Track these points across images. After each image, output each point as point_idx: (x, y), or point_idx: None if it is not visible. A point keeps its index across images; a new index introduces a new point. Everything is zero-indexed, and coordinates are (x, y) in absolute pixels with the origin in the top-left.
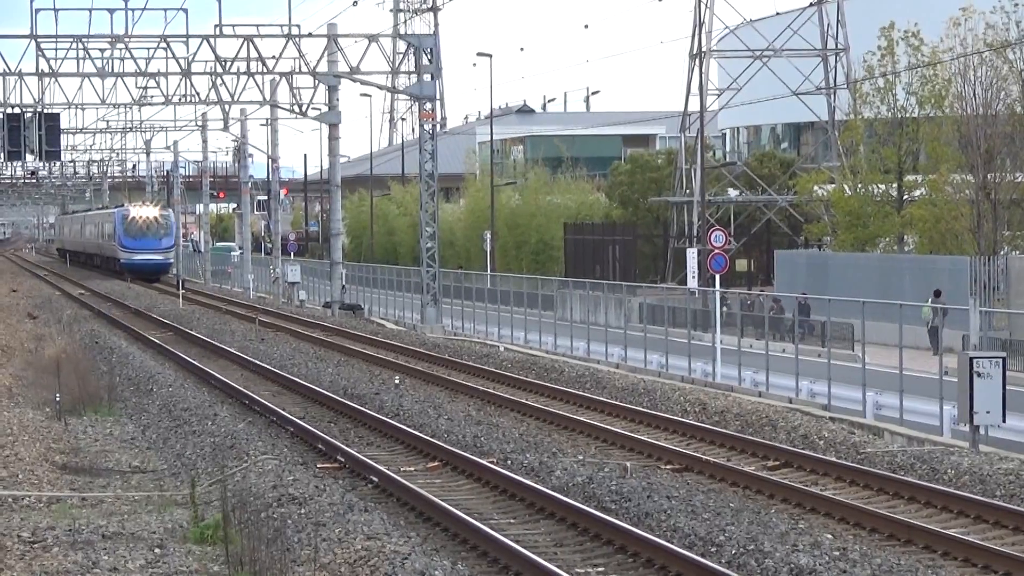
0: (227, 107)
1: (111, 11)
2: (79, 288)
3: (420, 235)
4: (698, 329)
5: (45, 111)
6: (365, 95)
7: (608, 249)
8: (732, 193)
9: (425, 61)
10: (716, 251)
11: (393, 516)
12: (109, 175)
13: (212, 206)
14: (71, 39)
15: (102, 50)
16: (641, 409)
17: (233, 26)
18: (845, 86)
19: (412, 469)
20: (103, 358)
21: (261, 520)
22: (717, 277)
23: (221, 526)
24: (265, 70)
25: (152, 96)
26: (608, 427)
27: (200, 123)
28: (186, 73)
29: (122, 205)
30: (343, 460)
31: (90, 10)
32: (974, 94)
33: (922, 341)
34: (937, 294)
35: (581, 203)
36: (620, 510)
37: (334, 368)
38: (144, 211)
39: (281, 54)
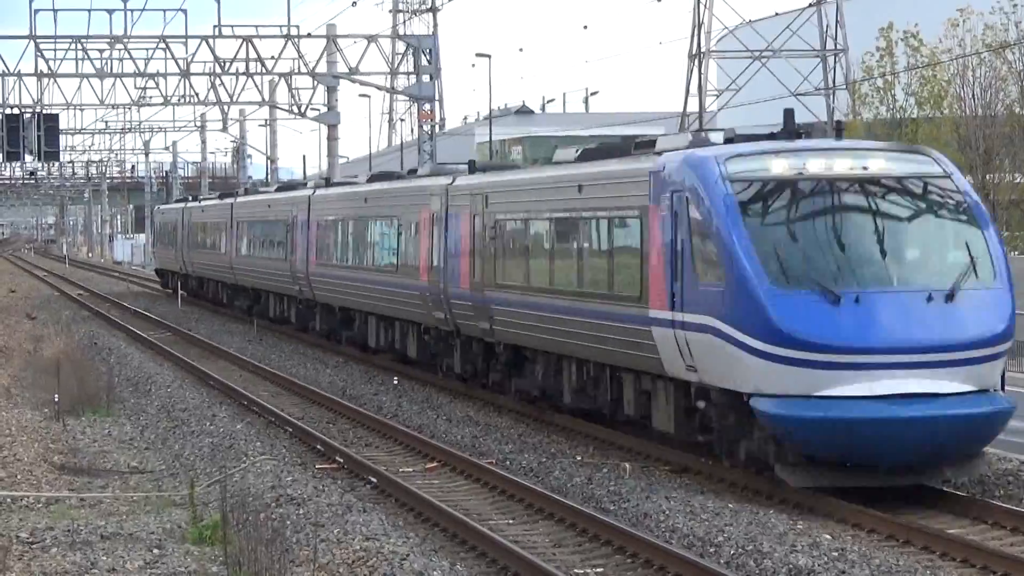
0: (226, 108)
1: (110, 12)
2: (78, 289)
3: None
4: None
5: (44, 112)
6: (364, 96)
7: None
8: None
9: (424, 62)
10: None
11: (392, 517)
12: (108, 176)
13: None
14: (70, 40)
15: (101, 51)
16: None
17: (232, 27)
18: (844, 87)
19: (411, 470)
20: (102, 359)
21: (260, 521)
22: None
23: (220, 527)
24: (264, 71)
25: (151, 97)
26: (606, 427)
27: (199, 124)
28: (185, 74)
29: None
30: (341, 461)
31: (89, 11)
32: (973, 95)
33: None
34: None
35: None
36: (619, 510)
37: (332, 369)
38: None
39: (280, 55)
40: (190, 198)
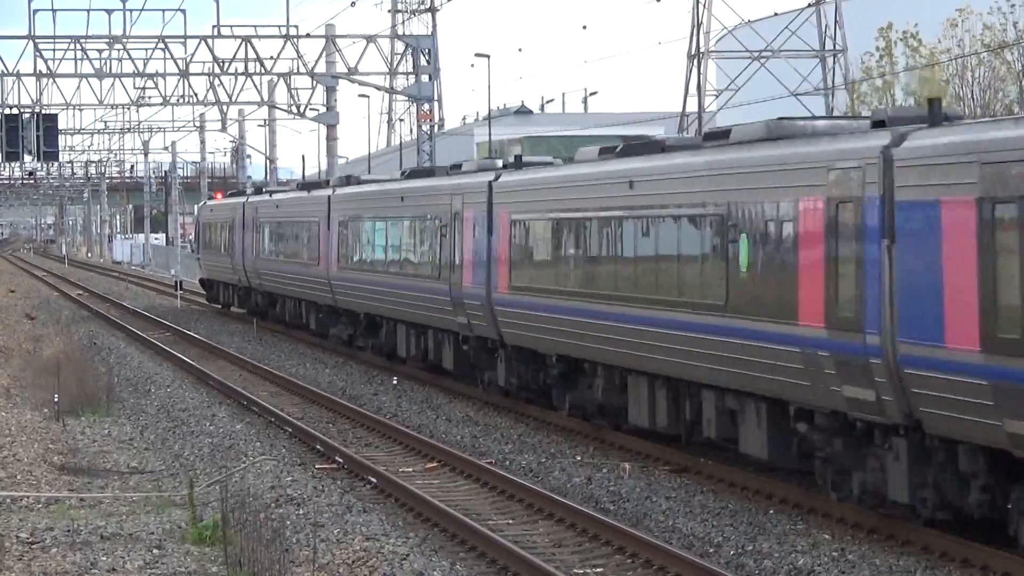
0: (225, 108)
1: (109, 12)
2: (78, 289)
3: None
4: None
5: (43, 112)
6: (363, 96)
7: None
8: None
9: (423, 62)
10: None
11: (391, 517)
12: (107, 176)
13: None
14: (69, 40)
15: (100, 51)
16: None
17: (231, 27)
18: (843, 87)
19: (410, 470)
20: (101, 359)
21: (260, 521)
22: None
23: (220, 527)
24: (263, 71)
25: (150, 97)
26: (606, 427)
27: (198, 124)
28: (184, 74)
29: None
30: (341, 461)
31: (88, 11)
32: (972, 95)
33: None
34: None
35: None
36: (618, 511)
37: (332, 369)
38: None
39: (279, 55)
40: (251, 190)
